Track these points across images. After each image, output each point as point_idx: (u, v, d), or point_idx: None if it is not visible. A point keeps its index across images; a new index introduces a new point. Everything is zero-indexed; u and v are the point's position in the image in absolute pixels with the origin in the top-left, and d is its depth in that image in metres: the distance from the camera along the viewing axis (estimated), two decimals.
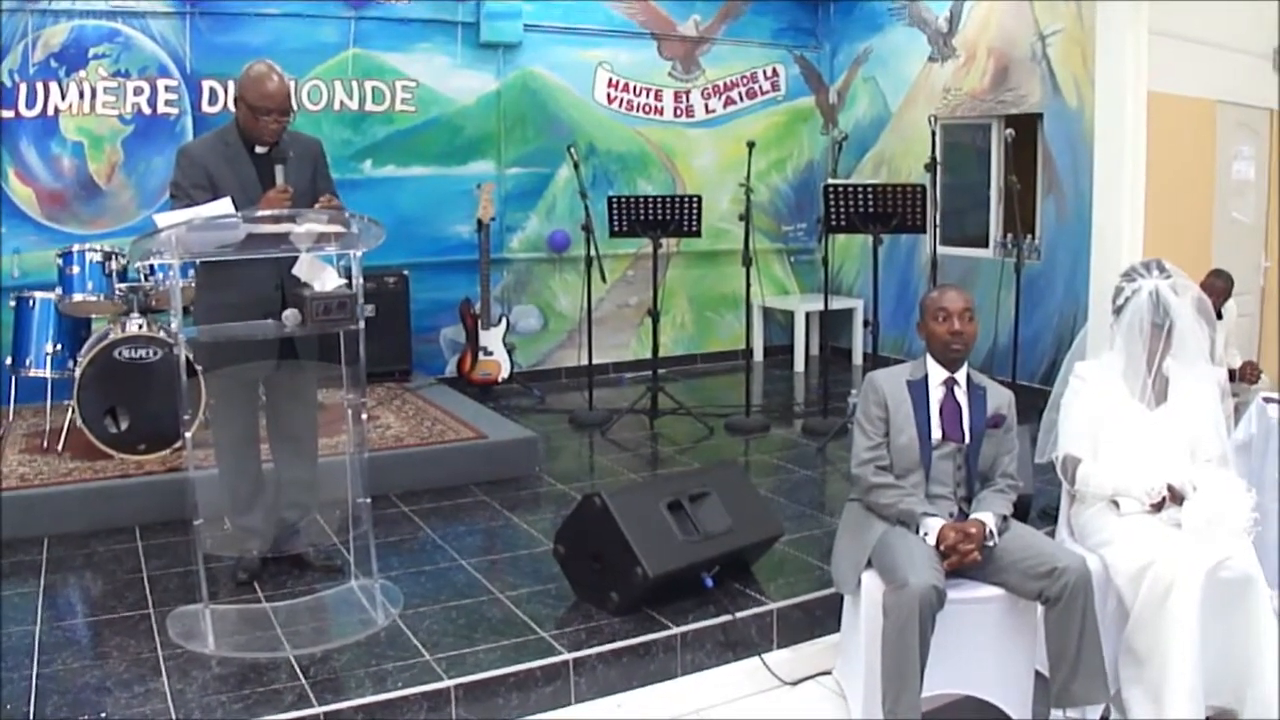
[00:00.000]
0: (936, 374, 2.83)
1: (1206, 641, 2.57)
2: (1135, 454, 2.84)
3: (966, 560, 2.60)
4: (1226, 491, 2.72)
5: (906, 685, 2.46)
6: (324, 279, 2.91)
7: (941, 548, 2.60)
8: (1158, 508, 2.77)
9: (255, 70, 3.06)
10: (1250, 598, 2.62)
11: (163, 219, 2.71)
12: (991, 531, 2.65)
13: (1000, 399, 2.87)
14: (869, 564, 2.71)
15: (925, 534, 2.64)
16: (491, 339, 6.02)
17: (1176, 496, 2.75)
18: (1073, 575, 2.56)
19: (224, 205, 2.82)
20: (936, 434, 2.79)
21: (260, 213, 2.87)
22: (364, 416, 3.07)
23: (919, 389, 2.82)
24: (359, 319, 2.88)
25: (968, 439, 2.79)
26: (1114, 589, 2.72)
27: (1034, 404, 3.29)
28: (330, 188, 3.35)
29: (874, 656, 2.57)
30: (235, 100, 3.12)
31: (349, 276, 2.96)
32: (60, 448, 4.27)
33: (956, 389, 2.83)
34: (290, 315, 2.90)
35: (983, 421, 2.81)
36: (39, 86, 5.13)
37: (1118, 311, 2.97)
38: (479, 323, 6.00)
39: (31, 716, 2.46)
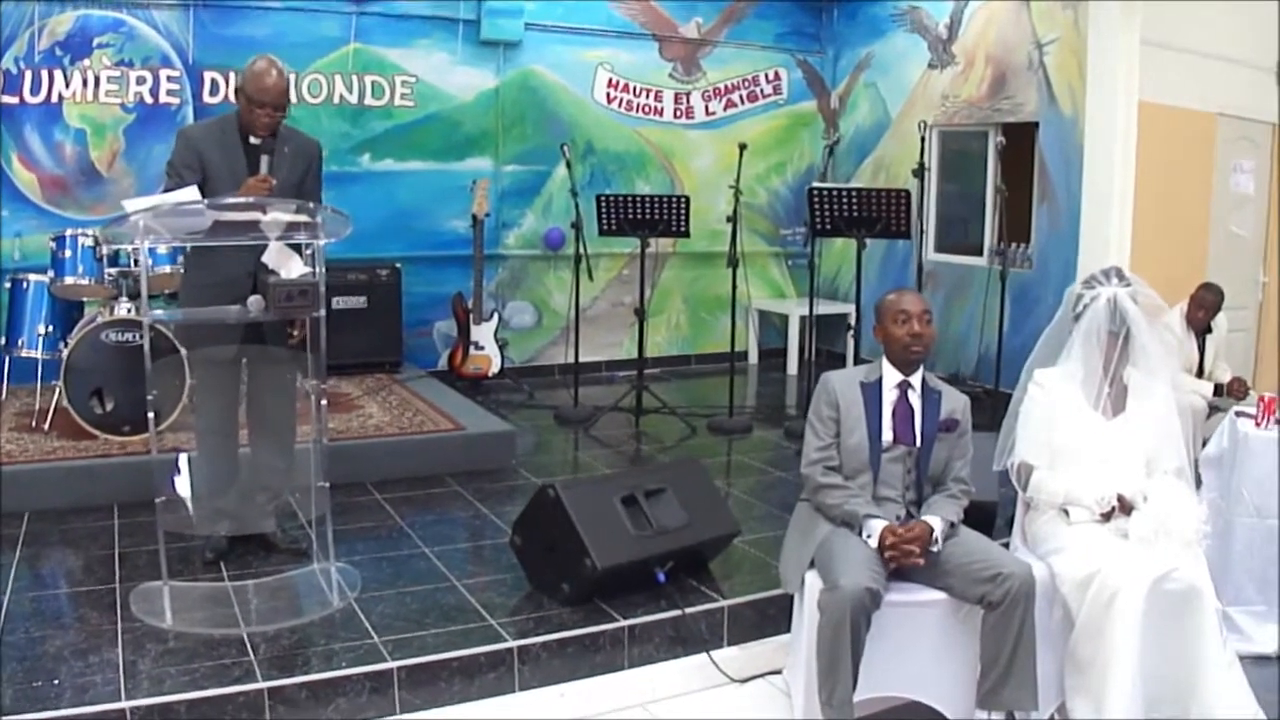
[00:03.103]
0: (891, 377, 2.84)
1: (1151, 653, 2.56)
2: (1089, 463, 2.84)
3: (907, 563, 2.61)
4: (1175, 503, 2.72)
5: (839, 683, 2.49)
6: (290, 267, 2.97)
7: (884, 551, 2.62)
8: (1107, 517, 2.76)
9: (257, 65, 3.17)
10: (1196, 610, 2.61)
11: (130, 204, 2.78)
12: (936, 537, 2.65)
13: (955, 403, 2.87)
14: (812, 564, 2.73)
15: (868, 536, 2.65)
16: (483, 334, 6.07)
17: (1126, 507, 2.75)
18: (1016, 581, 2.57)
19: (190, 192, 2.89)
20: (888, 436, 2.79)
21: (230, 199, 2.94)
22: (324, 402, 3.12)
23: (872, 391, 2.83)
24: (320, 307, 2.93)
25: (919, 442, 2.80)
26: (1060, 598, 2.72)
27: None
28: (318, 191, 3.43)
29: (814, 655, 2.59)
30: (236, 91, 3.24)
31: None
32: (47, 427, 4.36)
33: (911, 392, 2.84)
34: (254, 301, 2.98)
35: (935, 425, 2.82)
36: (44, 74, 5.23)
37: (1077, 318, 2.96)
38: (470, 317, 6.05)
39: None
